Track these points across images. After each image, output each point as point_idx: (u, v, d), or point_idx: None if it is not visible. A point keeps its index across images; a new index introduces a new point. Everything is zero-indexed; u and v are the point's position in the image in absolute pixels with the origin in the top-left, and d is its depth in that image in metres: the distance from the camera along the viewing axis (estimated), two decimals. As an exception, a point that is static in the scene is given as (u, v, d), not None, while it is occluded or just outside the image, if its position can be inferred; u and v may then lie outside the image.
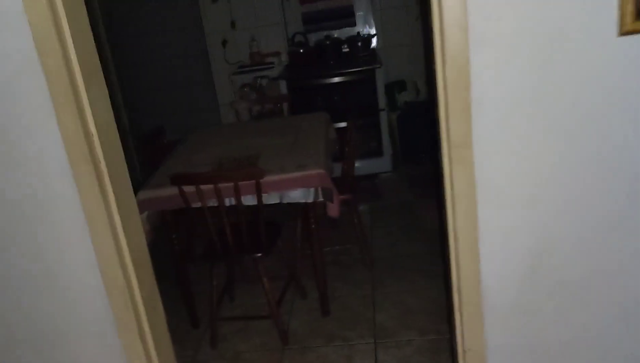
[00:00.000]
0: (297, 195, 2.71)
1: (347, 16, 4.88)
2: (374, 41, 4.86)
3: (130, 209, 1.53)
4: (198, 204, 2.68)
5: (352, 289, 3.23)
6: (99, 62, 1.51)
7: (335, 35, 4.88)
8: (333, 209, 2.76)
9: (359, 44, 4.78)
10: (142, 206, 2.71)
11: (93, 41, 1.51)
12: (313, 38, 4.85)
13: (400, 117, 4.90)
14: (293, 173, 2.69)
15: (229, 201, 2.72)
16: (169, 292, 2.83)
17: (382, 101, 4.52)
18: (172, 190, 2.67)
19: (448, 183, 1.45)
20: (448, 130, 1.40)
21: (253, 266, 2.92)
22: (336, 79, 4.50)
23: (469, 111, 1.37)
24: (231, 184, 2.56)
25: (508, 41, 1.31)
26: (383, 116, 4.57)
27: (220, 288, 3.04)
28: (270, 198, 2.72)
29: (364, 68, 4.45)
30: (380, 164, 4.67)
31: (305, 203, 2.75)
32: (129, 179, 1.56)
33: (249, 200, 2.70)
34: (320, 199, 2.73)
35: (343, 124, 4.46)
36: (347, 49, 4.82)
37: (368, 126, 4.55)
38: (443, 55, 1.36)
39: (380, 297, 3.10)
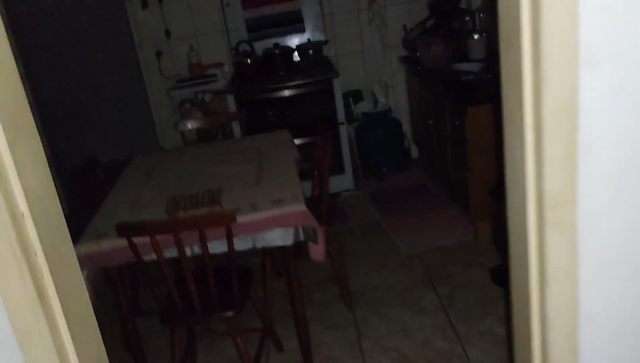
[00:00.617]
0: (273, 238, 2.26)
1: (295, 22, 4.47)
2: (326, 48, 4.47)
3: (86, 322, 1.04)
4: (152, 257, 2.18)
5: (334, 334, 2.81)
6: (25, 98, 1.01)
7: (284, 43, 4.44)
8: (317, 252, 2.33)
9: (311, 52, 4.38)
10: (81, 262, 2.17)
11: (15, 64, 1.02)
12: (259, 47, 4.40)
13: (358, 130, 4.54)
14: (268, 212, 2.24)
15: (190, 250, 2.24)
16: (115, 355, 2.32)
17: (341, 114, 4.13)
18: (119, 241, 2.15)
19: (535, 254, 1.06)
20: (540, 184, 1.01)
21: (222, 322, 2.44)
22: (289, 92, 4.07)
23: (574, 158, 0.99)
24: (195, 231, 2.08)
25: (633, 59, 0.94)
26: (343, 130, 4.18)
27: (182, 353, 2.53)
28: (241, 243, 2.26)
29: (320, 79, 4.04)
30: (342, 183, 4.28)
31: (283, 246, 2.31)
32: (81, 275, 1.08)
33: (214, 247, 2.23)
34: (302, 240, 2.29)
35: (298, 141, 4.06)
36: (298, 58, 4.41)
37: (326, 141, 4.15)
38: (538, 79, 0.97)
39: (369, 343, 2.70)
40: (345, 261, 3.40)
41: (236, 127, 3.82)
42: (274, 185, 2.49)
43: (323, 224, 2.79)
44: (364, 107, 4.52)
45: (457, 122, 3.27)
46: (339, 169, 4.24)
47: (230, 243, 2.13)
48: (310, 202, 3.14)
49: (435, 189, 4.17)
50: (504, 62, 1.10)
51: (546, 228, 1.03)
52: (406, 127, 4.69)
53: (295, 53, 4.38)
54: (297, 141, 4.01)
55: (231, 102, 4.03)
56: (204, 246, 2.10)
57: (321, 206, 2.79)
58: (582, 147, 0.98)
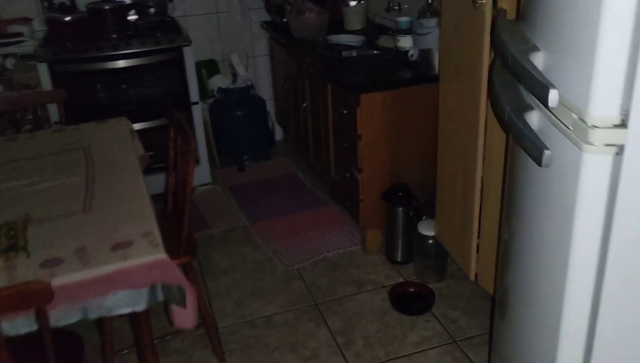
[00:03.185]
0: (116, 304, 1.48)
1: (130, -30, 3.49)
2: (171, 7, 3.58)
3: None
4: None
5: (200, 397, 2.11)
6: None
7: (116, -3, 3.47)
8: (185, 319, 1.59)
9: (152, 10, 3.47)
10: None
11: None
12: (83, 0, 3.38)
13: (213, 109, 3.76)
14: (107, 266, 1.45)
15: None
16: None
17: (194, 92, 3.32)
18: None
19: None
20: None
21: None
22: (125, 63, 3.14)
23: None
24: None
25: None
26: (197, 112, 3.38)
27: None
28: (63, 316, 1.45)
29: (167, 46, 3.17)
30: (196, 175, 3.46)
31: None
32: None
33: (17, 325, 1.40)
34: (161, 300, 1.54)
35: (140, 126, 3.20)
36: (136, 17, 3.47)
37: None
38: None
39: (250, 409, 2.05)
40: (209, 286, 2.69)
41: (54, 112, 2.83)
42: (113, 212, 1.68)
43: (183, 255, 2.05)
44: (220, 81, 3.73)
45: (345, 111, 2.67)
46: (192, 159, 3.44)
47: (44, 327, 1.32)
48: (163, 211, 2.37)
49: (307, 181, 3.58)
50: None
51: None
52: (269, 104, 4.01)
53: (132, 11, 3.43)
54: (138, 126, 3.15)
55: (44, 74, 3.00)
56: (-4, 340, 1.26)
57: (181, 231, 2.03)
58: None
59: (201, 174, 3.52)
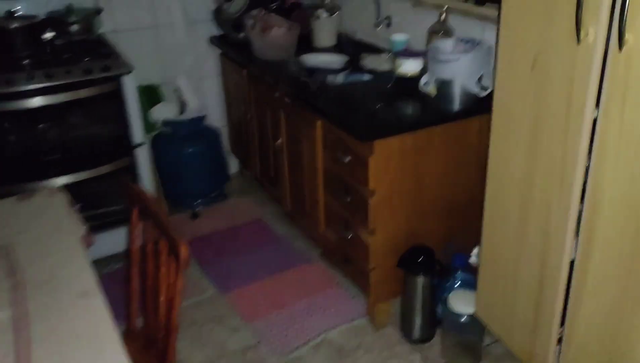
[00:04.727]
0: None
1: (41, -25, 2.73)
2: (99, 22, 2.85)
3: None
4: None
5: None
6: None
7: (26, 12, 2.69)
8: None
9: (75, 27, 2.72)
10: None
11: None
12: (-21, 15, 2.58)
13: (156, 144, 3.06)
14: None
15: None
16: None
17: (137, 131, 2.62)
18: None
19: None
20: None
21: None
22: (44, 99, 2.38)
23: None
24: None
25: None
26: (142, 156, 2.68)
27: None
28: None
29: (100, 76, 2.45)
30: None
31: None
32: None
33: None
34: None
35: (66, 179, 2.50)
36: (53, 34, 2.70)
37: (111, 175, 2.61)
38: None
39: None
40: (183, 397, 2.04)
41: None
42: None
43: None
44: (164, 111, 3.04)
45: (346, 159, 2.10)
46: (137, 214, 2.74)
47: None
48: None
49: (278, 229, 2.98)
50: None
51: None
52: (222, 131, 3.34)
53: (48, 29, 2.66)
54: (64, 180, 2.44)
55: None
56: None
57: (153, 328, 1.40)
58: None
59: (149, 230, 2.82)
